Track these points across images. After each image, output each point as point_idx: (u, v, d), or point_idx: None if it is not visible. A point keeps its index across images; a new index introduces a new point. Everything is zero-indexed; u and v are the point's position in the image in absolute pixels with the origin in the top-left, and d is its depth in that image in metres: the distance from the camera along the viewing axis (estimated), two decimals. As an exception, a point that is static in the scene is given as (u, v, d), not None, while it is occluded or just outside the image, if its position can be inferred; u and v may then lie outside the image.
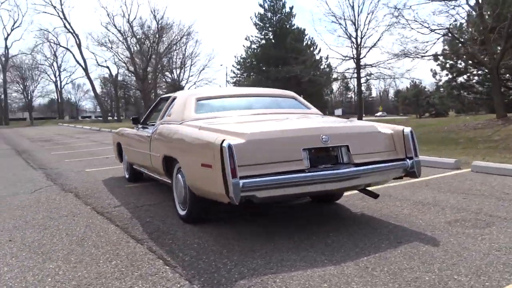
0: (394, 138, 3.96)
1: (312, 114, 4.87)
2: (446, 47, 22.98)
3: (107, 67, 56.47)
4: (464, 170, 6.69)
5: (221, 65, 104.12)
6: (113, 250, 3.49)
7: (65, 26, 52.53)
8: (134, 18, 55.99)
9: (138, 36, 49.04)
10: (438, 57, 23.73)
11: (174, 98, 4.99)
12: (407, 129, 3.95)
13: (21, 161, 10.79)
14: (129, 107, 75.01)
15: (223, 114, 4.47)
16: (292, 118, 4.22)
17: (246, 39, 48.72)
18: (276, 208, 4.71)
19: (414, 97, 58.56)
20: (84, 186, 6.55)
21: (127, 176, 6.91)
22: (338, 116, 55.57)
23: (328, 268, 2.94)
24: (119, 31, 49.01)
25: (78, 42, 52.82)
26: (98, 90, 59.49)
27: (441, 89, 34.94)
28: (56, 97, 77.39)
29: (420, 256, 3.12)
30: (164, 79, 52.32)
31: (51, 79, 73.41)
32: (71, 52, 55.33)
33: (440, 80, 31.14)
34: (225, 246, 3.49)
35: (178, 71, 51.63)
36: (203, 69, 54.37)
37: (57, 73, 71.29)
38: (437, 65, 26.89)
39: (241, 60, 49.92)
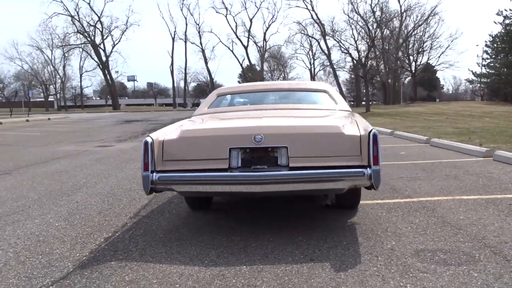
0: (362, 142, 3.35)
1: (330, 110, 4.43)
2: None
3: (349, 53, 57.58)
4: None
5: (477, 45, 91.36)
6: (103, 221, 4.26)
7: (312, 17, 56.48)
8: (377, 4, 55.17)
9: (379, 21, 48.46)
10: None
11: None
12: (372, 131, 3.29)
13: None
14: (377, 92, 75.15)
15: (226, 109, 4.61)
16: (271, 114, 4.00)
17: (498, 14, 41.72)
18: (284, 206, 4.58)
19: None
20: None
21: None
22: None
23: (192, 268, 2.95)
24: (362, 17, 49.50)
25: (322, 32, 56.05)
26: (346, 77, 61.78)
27: None
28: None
29: (290, 279, 2.74)
30: (401, 65, 50.28)
31: (306, 66, 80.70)
32: (317, 41, 58.76)
33: None
34: (169, 232, 3.80)
35: (415, 56, 48.71)
36: (444, 51, 49.53)
37: (312, 61, 77.62)
38: None
39: (496, 38, 43.31)
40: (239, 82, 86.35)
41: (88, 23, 54.41)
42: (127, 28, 56.39)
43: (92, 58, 58.27)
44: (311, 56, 76.03)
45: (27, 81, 63.11)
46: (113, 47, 56.87)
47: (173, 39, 61.04)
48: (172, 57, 61.15)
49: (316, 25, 55.76)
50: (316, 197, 4.73)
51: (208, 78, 64.33)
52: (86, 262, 3.15)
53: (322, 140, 3.42)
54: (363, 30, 39.57)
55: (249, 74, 66.97)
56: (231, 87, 5.46)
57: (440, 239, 3.37)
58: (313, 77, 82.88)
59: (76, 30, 54.93)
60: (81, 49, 58.27)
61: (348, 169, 3.29)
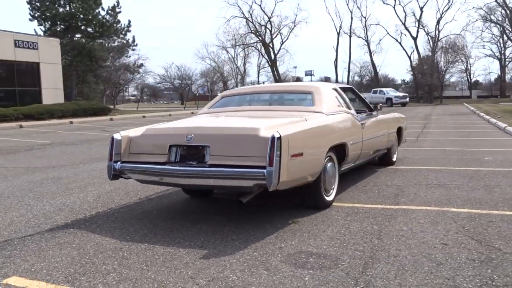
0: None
1: (297, 111, 4.54)
2: None
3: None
4: None
5: None
6: (129, 197, 5.25)
7: (496, 1, 49.79)
8: None
9: None
10: None
11: None
12: (276, 134, 3.44)
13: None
14: None
15: (220, 110, 5.10)
16: (235, 115, 4.38)
17: None
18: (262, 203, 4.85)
19: None
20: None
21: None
22: None
23: (118, 242, 3.63)
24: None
25: (509, 16, 49.02)
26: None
27: None
28: (500, 75, 75.09)
29: (158, 258, 3.20)
30: None
31: (495, 55, 71.30)
32: (503, 28, 51.53)
33: None
34: (145, 211, 4.55)
35: None
36: None
37: (502, 50, 68.37)
38: None
39: None
40: (412, 74, 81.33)
41: (259, 23, 58.68)
42: (295, 26, 58.72)
43: (263, 56, 62.66)
44: (502, 45, 66.96)
45: (210, 78, 71.39)
46: (281, 45, 60.11)
47: (338, 34, 61.22)
48: (336, 51, 61.50)
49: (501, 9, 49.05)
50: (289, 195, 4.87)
51: (373, 72, 62.61)
52: (61, 225, 4.13)
53: (238, 140, 3.71)
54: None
55: (424, 66, 62.61)
56: (234, 89, 5.94)
57: (341, 245, 3.33)
58: (503, 68, 72.70)
59: (250, 31, 59.77)
60: (254, 48, 63.19)
61: (254, 169, 3.53)
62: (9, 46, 23.89)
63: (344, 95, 5.29)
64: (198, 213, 4.50)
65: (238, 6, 69.75)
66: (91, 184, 6.19)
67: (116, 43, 31.90)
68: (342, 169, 4.86)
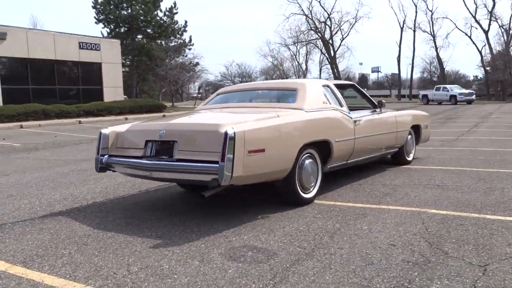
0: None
1: (275, 108, 4.57)
2: None
3: None
4: None
5: None
6: (133, 190, 5.60)
7: None
8: None
9: None
10: None
11: None
12: (229, 131, 3.53)
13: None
14: None
15: (208, 107, 5.24)
16: (217, 112, 4.56)
17: None
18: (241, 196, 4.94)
19: None
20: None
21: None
22: None
23: (90, 229, 3.94)
24: None
25: None
26: None
27: None
28: None
29: (114, 245, 3.42)
30: None
31: None
32: None
33: None
34: (132, 203, 4.82)
35: None
36: None
37: None
38: None
39: None
40: (486, 70, 76.40)
41: (318, 20, 58.09)
42: (356, 21, 57.43)
43: (323, 53, 61.98)
44: None
45: (269, 76, 71.78)
46: (341, 41, 59.11)
47: (401, 28, 58.89)
48: (399, 47, 59.23)
49: None
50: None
51: (439, 68, 59.57)
52: (55, 212, 4.50)
53: (201, 136, 3.85)
54: None
55: (496, 61, 58.58)
56: (230, 87, 6.04)
57: (289, 241, 3.35)
58: None
59: (309, 28, 59.35)
60: (313, 45, 62.67)
61: (211, 163, 3.65)
62: (74, 48, 25.71)
63: (337, 92, 5.21)
64: (182, 205, 4.70)
65: (298, 3, 69.40)
66: (108, 176, 6.58)
67: (173, 43, 33.33)
68: (330, 166, 4.82)
